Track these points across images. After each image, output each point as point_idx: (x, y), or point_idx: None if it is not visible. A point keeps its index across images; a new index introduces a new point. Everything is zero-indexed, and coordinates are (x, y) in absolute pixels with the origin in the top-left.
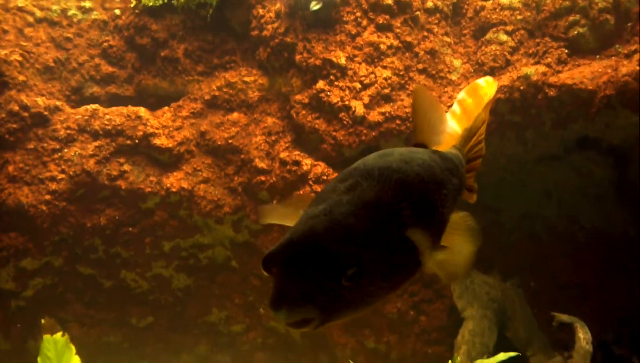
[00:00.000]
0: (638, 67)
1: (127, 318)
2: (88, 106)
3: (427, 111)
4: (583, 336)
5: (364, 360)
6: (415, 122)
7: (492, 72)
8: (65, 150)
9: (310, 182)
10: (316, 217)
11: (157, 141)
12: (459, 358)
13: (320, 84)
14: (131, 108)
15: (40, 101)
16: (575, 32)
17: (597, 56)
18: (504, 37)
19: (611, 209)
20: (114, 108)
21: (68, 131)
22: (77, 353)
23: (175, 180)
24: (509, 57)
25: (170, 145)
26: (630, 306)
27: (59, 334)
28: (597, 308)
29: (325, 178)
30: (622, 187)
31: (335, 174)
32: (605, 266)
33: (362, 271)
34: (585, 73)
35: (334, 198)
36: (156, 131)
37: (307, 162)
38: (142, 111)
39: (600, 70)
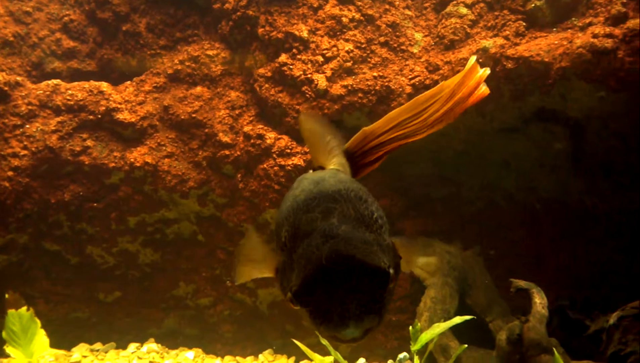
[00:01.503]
0: (592, 39)
1: (94, 294)
2: (49, 82)
3: (316, 136)
4: (539, 301)
5: None
6: (309, 149)
7: (452, 45)
8: (27, 126)
9: (275, 155)
10: (334, 238)
11: (120, 116)
12: (419, 324)
13: (283, 57)
14: (93, 83)
15: (0, 76)
16: (533, 5)
17: (554, 29)
18: (463, 10)
19: (567, 179)
20: (75, 83)
21: (29, 107)
22: (45, 329)
23: (139, 155)
24: (468, 30)
25: (133, 120)
26: (585, 272)
27: (24, 308)
28: (553, 275)
29: (289, 151)
30: (578, 158)
31: (299, 148)
32: (561, 234)
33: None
34: (541, 46)
35: (320, 225)
36: (119, 106)
37: (270, 135)
38: (105, 85)
39: (556, 42)
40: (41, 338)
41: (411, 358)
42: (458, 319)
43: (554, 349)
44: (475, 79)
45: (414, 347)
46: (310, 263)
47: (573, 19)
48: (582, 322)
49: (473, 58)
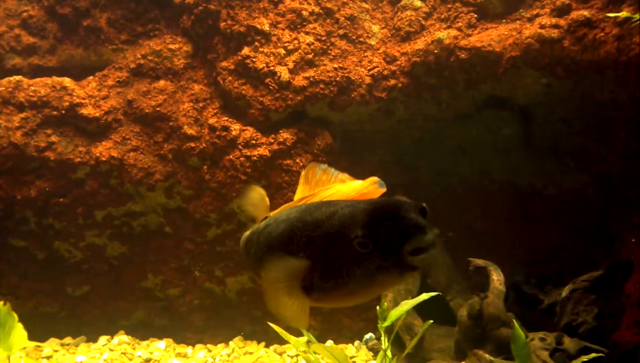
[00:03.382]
0: (540, 30)
1: (63, 288)
2: (11, 78)
3: (258, 201)
4: (497, 278)
5: None
6: (253, 210)
7: (408, 36)
8: None
9: (240, 147)
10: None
11: (84, 111)
12: (385, 304)
13: (246, 50)
14: (56, 79)
15: None
16: None
17: (504, 20)
18: (418, 3)
19: (519, 162)
20: (38, 79)
21: None
22: None
23: (104, 149)
24: (423, 22)
25: (97, 115)
26: (538, 250)
27: (0, 303)
28: (508, 253)
29: (254, 141)
30: (528, 142)
31: (264, 139)
32: (514, 214)
33: None
34: (492, 36)
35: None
36: (82, 101)
37: (235, 127)
38: (67, 81)
39: (506, 33)
40: (19, 332)
41: (378, 338)
42: (424, 295)
43: (514, 321)
44: (371, 191)
45: (385, 324)
46: (372, 206)
47: (521, 10)
48: (537, 296)
49: (374, 179)
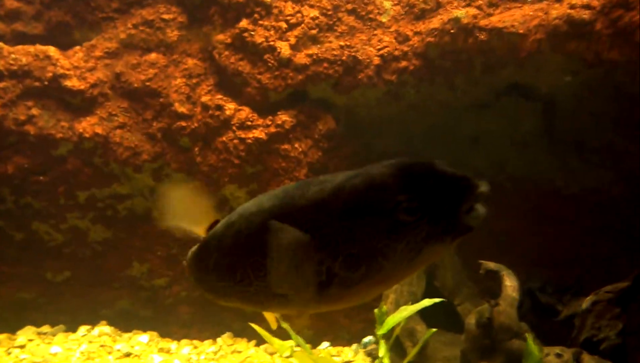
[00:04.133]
0: (569, 10)
1: (42, 273)
2: None
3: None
4: (510, 284)
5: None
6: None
7: (422, 14)
8: None
9: (234, 128)
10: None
11: (68, 83)
12: (385, 307)
13: (244, 22)
14: (39, 47)
15: None
16: None
17: None
18: None
19: (538, 157)
20: (19, 47)
21: None
22: None
23: (88, 125)
24: None
25: (82, 87)
26: (556, 254)
27: None
28: (523, 256)
29: (249, 123)
30: (550, 135)
31: (261, 120)
32: (531, 214)
33: None
34: (516, 17)
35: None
36: (67, 72)
37: (230, 106)
38: (52, 50)
39: (531, 13)
40: None
41: (376, 342)
42: (427, 301)
43: (526, 334)
44: None
45: (380, 331)
46: (402, 166)
47: None
48: (554, 306)
49: None
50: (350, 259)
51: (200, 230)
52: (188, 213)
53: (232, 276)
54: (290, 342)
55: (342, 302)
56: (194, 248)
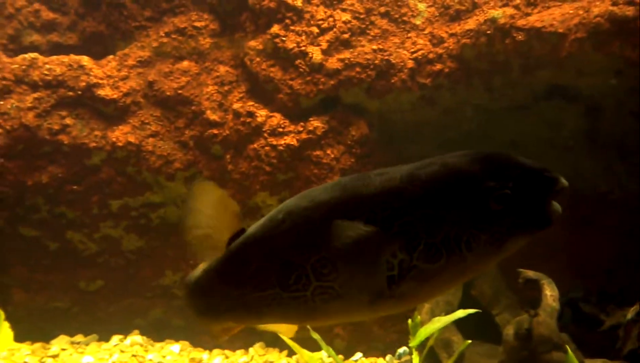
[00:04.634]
0: (611, 7)
1: (75, 282)
2: (26, 55)
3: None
4: (550, 293)
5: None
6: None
7: (458, 15)
8: (1, 103)
9: (266, 135)
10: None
11: (101, 92)
12: (419, 317)
13: (275, 28)
14: (73, 57)
15: None
16: None
17: None
18: None
19: (581, 161)
20: (54, 57)
21: (4, 82)
22: (24, 319)
23: (121, 134)
24: None
25: (115, 96)
26: (600, 263)
27: None
28: (565, 265)
29: (281, 129)
30: (593, 139)
31: (292, 127)
32: (574, 220)
33: None
34: (555, 15)
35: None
36: (100, 82)
37: (262, 113)
38: (85, 60)
39: (571, 12)
40: (5, 331)
41: (411, 353)
42: (461, 312)
43: (567, 346)
44: None
45: (412, 343)
46: (484, 155)
47: None
48: (597, 316)
49: None
50: (432, 249)
51: (219, 242)
52: (212, 220)
53: (283, 280)
54: (320, 354)
55: (411, 300)
56: (210, 264)
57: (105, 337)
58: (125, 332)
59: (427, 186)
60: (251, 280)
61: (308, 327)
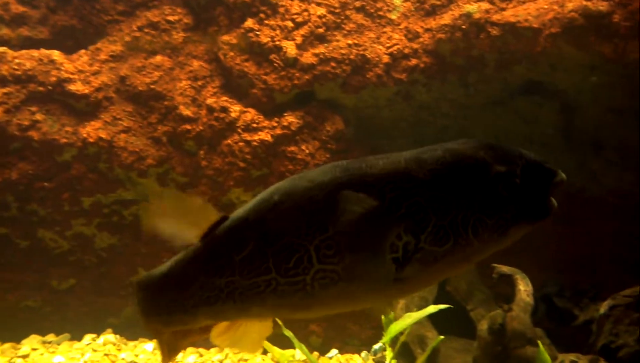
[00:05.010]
0: (585, 2)
1: (47, 281)
2: None
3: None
4: (524, 288)
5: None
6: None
7: (433, 10)
8: None
9: (240, 130)
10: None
11: (72, 87)
12: (392, 313)
13: (249, 22)
14: (43, 51)
15: None
16: None
17: None
18: None
19: (557, 157)
20: (24, 51)
21: None
22: None
23: (92, 130)
24: None
25: (86, 91)
26: (574, 258)
27: None
28: (539, 260)
29: (255, 125)
30: (568, 134)
31: (267, 122)
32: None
33: None
34: (530, 10)
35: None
36: (71, 76)
37: (236, 108)
38: (56, 54)
39: (546, 7)
40: None
41: (386, 349)
42: (432, 308)
43: (539, 341)
44: None
45: (385, 339)
46: (490, 144)
47: None
48: (571, 310)
49: None
50: (440, 231)
51: (192, 236)
52: (181, 215)
53: (281, 264)
54: (291, 351)
55: (413, 285)
56: (183, 255)
57: (77, 336)
58: (99, 330)
59: (435, 169)
60: (243, 266)
61: (280, 323)
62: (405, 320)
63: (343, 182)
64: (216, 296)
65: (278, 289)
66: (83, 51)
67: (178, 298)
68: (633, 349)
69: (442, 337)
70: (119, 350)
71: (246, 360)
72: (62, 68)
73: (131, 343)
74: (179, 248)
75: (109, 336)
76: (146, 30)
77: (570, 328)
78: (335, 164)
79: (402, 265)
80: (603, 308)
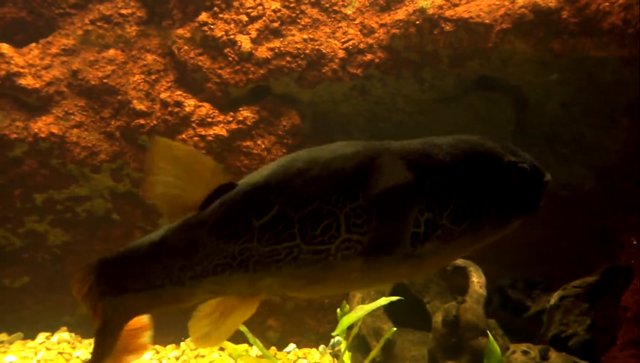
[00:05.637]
0: None
1: None
2: None
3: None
4: (477, 280)
5: (260, 311)
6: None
7: (388, 6)
8: None
9: (194, 125)
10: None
11: (22, 81)
12: (347, 306)
13: (203, 16)
14: None
15: None
16: None
17: None
18: None
19: None
20: None
21: None
22: None
23: (44, 125)
24: None
25: (37, 86)
26: (527, 250)
27: None
28: (493, 252)
29: (210, 119)
30: (521, 129)
31: (222, 117)
32: None
33: None
34: (482, 6)
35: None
36: (22, 70)
37: (190, 103)
38: (5, 47)
39: (497, 3)
40: None
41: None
42: (383, 300)
43: (489, 332)
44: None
45: (337, 331)
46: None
47: None
48: (523, 302)
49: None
50: (459, 210)
51: (190, 202)
52: (177, 179)
53: (307, 231)
54: (244, 346)
55: (428, 263)
56: (186, 220)
57: (31, 336)
58: (53, 329)
59: (452, 153)
60: (263, 232)
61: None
62: (357, 312)
63: (371, 155)
64: (226, 264)
65: (299, 257)
66: (34, 44)
67: (173, 268)
68: (582, 338)
69: (395, 328)
70: (74, 348)
71: (203, 356)
72: (12, 62)
73: (86, 341)
74: (172, 213)
75: (63, 334)
76: (99, 23)
77: (523, 319)
78: (348, 142)
79: (421, 241)
80: (553, 299)
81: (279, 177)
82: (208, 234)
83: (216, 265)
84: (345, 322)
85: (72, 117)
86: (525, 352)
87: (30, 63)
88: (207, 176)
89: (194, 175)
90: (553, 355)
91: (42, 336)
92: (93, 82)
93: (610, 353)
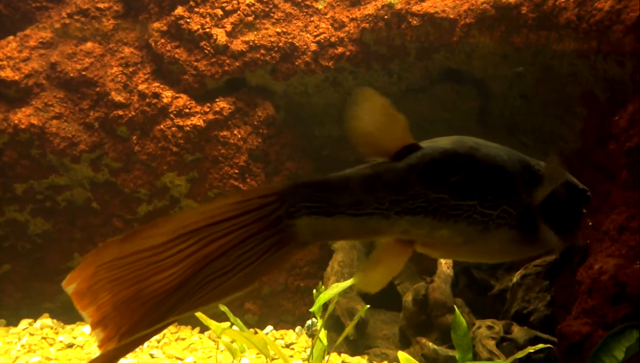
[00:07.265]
0: None
1: None
2: None
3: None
4: (444, 261)
5: (238, 296)
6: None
7: (358, 0)
8: None
9: (172, 115)
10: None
11: (1, 74)
12: (323, 287)
13: (179, 10)
14: None
15: None
16: None
17: None
18: None
19: None
20: None
21: None
22: None
23: (24, 116)
24: None
25: (16, 78)
26: None
27: None
28: None
29: (187, 110)
30: (484, 119)
31: (199, 108)
32: None
33: None
34: (447, 2)
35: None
36: (0, 63)
37: (167, 94)
38: None
39: None
40: None
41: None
42: (353, 280)
43: (455, 307)
44: None
45: (314, 307)
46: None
47: None
48: (488, 281)
49: None
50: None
51: (387, 151)
52: (377, 126)
53: (484, 194)
54: (227, 323)
55: (539, 247)
56: (391, 164)
57: (13, 322)
58: (35, 316)
59: (507, 164)
60: (454, 188)
61: None
62: (332, 289)
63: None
64: (424, 208)
65: (472, 217)
66: (11, 37)
67: (385, 201)
68: (543, 314)
69: (368, 306)
70: (57, 333)
71: (183, 338)
72: None
73: (68, 327)
74: (368, 155)
75: (46, 320)
76: (76, 17)
77: (488, 297)
78: (467, 138)
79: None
80: (516, 277)
81: (461, 148)
82: (417, 178)
83: (417, 206)
84: (322, 298)
85: (52, 108)
86: (489, 327)
87: (9, 56)
88: (399, 131)
89: (391, 127)
90: (516, 329)
91: (24, 322)
92: (72, 75)
93: (566, 322)
